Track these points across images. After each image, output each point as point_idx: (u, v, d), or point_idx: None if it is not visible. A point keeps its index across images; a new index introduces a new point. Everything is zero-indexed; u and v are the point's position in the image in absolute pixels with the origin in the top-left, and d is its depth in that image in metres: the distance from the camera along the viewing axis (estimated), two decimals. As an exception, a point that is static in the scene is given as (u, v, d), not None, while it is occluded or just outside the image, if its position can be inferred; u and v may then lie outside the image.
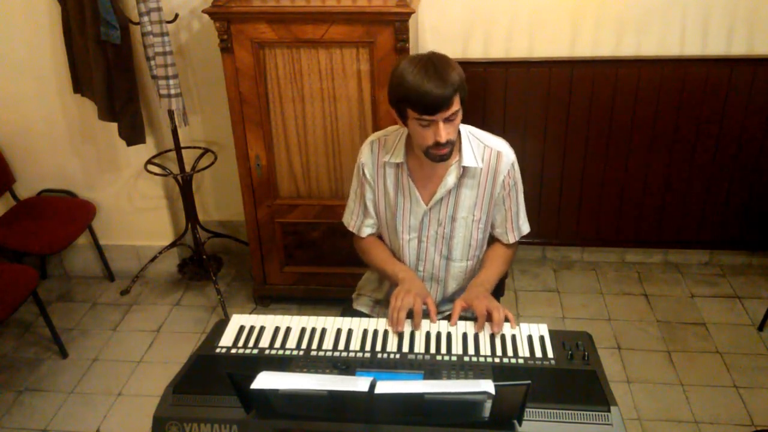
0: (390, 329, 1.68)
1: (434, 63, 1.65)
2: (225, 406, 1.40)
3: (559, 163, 3.11)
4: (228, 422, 1.38)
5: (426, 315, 1.74)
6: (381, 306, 2.07)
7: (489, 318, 1.68)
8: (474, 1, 2.85)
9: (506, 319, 1.68)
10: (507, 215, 1.93)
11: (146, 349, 2.93)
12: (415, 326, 1.68)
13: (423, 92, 1.61)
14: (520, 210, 1.95)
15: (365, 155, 1.92)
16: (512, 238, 1.95)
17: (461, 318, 1.73)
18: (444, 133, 1.67)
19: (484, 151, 1.85)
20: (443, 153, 1.73)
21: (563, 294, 3.17)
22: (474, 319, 1.71)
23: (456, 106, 1.66)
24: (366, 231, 2.00)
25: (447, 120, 1.67)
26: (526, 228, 1.98)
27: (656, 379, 2.65)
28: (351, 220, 2.02)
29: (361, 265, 2.11)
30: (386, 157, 1.87)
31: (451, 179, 1.83)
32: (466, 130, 1.86)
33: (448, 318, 1.92)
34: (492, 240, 2.00)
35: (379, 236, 2.03)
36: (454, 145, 1.75)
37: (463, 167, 1.82)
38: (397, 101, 1.70)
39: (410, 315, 1.71)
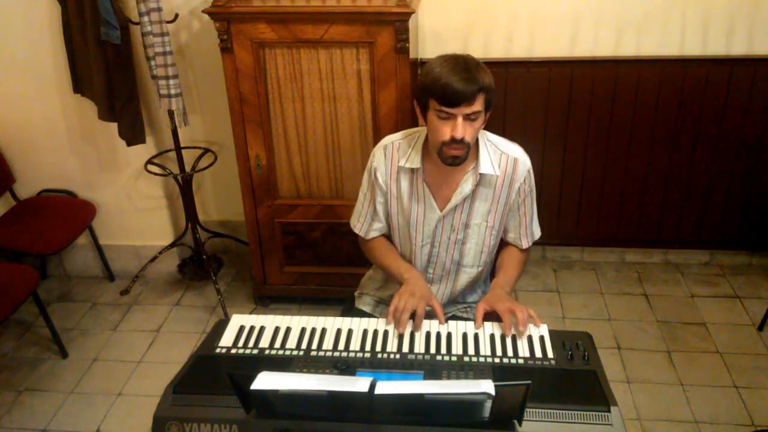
0: (389, 327, 1.68)
1: (465, 60, 1.67)
2: (225, 406, 1.40)
3: (559, 163, 3.11)
4: (228, 422, 1.38)
5: (433, 316, 1.73)
6: (384, 305, 2.06)
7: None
8: (474, 1, 2.85)
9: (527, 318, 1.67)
10: (521, 221, 1.91)
11: (146, 349, 2.93)
12: (415, 328, 1.67)
13: (446, 82, 1.62)
14: (534, 215, 1.93)
15: (378, 159, 1.89)
16: (525, 244, 1.94)
17: (464, 318, 1.72)
18: (461, 129, 1.65)
19: (501, 158, 1.83)
20: (457, 154, 1.70)
21: (563, 294, 3.17)
22: (487, 319, 1.70)
23: (478, 106, 1.65)
24: (373, 234, 1.98)
25: (467, 118, 1.66)
26: (538, 233, 1.96)
27: (656, 379, 2.65)
28: (358, 222, 1.99)
29: (361, 264, 2.11)
30: (401, 162, 1.85)
31: (467, 186, 1.81)
32: (484, 137, 1.84)
33: (451, 318, 1.92)
34: (503, 244, 1.99)
35: (386, 236, 2.02)
36: (469, 150, 1.72)
37: (480, 174, 1.80)
38: (422, 92, 1.70)
39: (412, 316, 1.70)
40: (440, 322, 1.70)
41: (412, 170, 1.85)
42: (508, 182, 1.84)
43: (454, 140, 1.67)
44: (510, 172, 1.84)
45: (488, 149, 1.82)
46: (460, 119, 1.65)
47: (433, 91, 1.65)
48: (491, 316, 1.72)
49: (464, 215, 1.86)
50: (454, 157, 1.71)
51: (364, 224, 1.98)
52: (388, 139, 1.90)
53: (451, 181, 1.83)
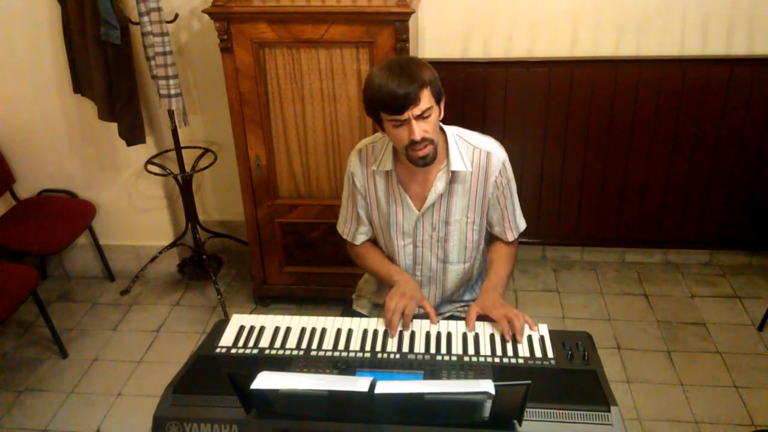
0: (389, 329, 1.68)
1: (399, 63, 1.66)
2: (225, 406, 1.40)
3: (559, 163, 3.11)
4: (228, 422, 1.38)
5: (425, 317, 1.73)
6: (380, 309, 2.06)
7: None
8: (474, 2, 2.85)
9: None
10: (504, 214, 1.91)
11: (146, 349, 2.93)
12: (404, 326, 1.68)
13: (387, 91, 1.62)
14: (516, 207, 1.93)
15: (354, 164, 1.90)
16: (511, 236, 1.94)
17: (462, 318, 1.72)
18: (418, 130, 1.65)
19: (473, 153, 1.82)
20: (422, 155, 1.70)
21: (563, 294, 3.17)
22: (481, 319, 1.70)
23: (426, 102, 1.65)
24: (360, 238, 1.99)
25: (420, 117, 1.65)
26: (522, 224, 1.96)
27: (656, 379, 2.65)
28: (345, 227, 2.00)
29: (360, 265, 2.11)
30: (374, 166, 1.85)
31: (440, 185, 1.81)
32: (453, 132, 1.83)
33: (450, 318, 1.92)
34: (492, 239, 1.99)
35: (374, 240, 2.02)
36: (435, 146, 1.72)
37: (452, 172, 1.80)
38: (369, 107, 1.70)
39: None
40: (432, 322, 1.70)
41: (387, 172, 1.85)
42: (483, 176, 1.84)
43: (414, 142, 1.67)
44: (484, 166, 1.83)
45: (458, 145, 1.82)
46: (413, 121, 1.65)
47: (378, 103, 1.65)
48: (485, 318, 1.72)
49: (443, 213, 1.86)
50: (422, 157, 1.71)
51: (350, 229, 1.99)
52: (362, 143, 1.91)
53: (425, 180, 1.83)
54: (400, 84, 1.61)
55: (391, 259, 1.96)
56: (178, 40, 2.99)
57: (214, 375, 1.53)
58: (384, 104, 1.64)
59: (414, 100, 1.62)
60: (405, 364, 1.55)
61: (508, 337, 1.63)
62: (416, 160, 1.72)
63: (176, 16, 2.81)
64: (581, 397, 1.41)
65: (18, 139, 3.14)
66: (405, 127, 1.66)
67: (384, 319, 1.70)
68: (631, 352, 2.79)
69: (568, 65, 2.91)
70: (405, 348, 1.62)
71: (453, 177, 1.81)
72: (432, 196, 1.82)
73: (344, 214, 2.00)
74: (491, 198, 1.87)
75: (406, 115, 1.63)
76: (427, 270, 1.94)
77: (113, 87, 2.81)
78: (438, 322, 1.71)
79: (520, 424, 1.31)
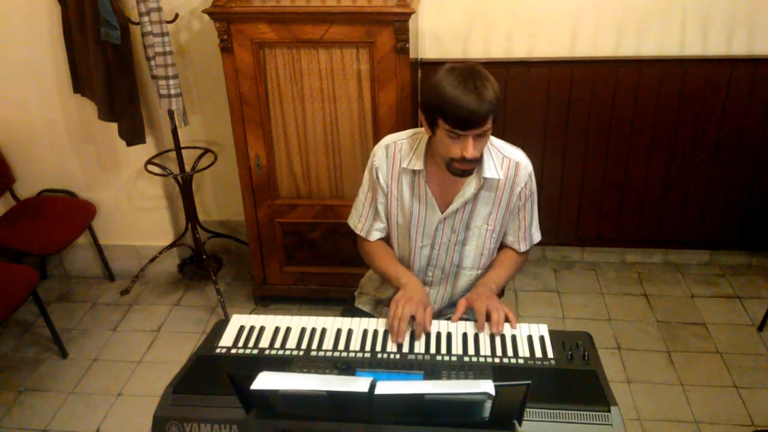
0: (390, 334, 1.67)
1: (474, 77, 1.61)
2: (225, 406, 1.40)
3: (559, 163, 3.11)
4: (228, 422, 1.38)
5: (433, 318, 1.72)
6: (383, 306, 2.06)
7: (489, 318, 1.68)
8: (474, 1, 2.85)
9: (506, 319, 1.68)
10: (521, 225, 1.90)
11: (146, 349, 2.94)
12: (416, 336, 1.65)
13: (459, 106, 1.58)
14: (534, 220, 1.92)
15: (380, 159, 1.87)
16: (523, 247, 1.93)
17: (462, 319, 1.72)
18: (472, 149, 1.64)
19: (503, 162, 1.82)
20: (466, 169, 1.70)
21: (563, 294, 3.17)
22: (474, 319, 1.70)
23: (488, 125, 1.63)
24: (375, 235, 1.96)
25: (477, 137, 1.64)
26: (537, 237, 1.95)
27: (656, 379, 2.65)
28: (359, 222, 1.97)
29: (361, 264, 2.10)
30: (404, 163, 1.84)
31: (469, 190, 1.81)
32: (488, 141, 1.81)
33: (450, 318, 1.92)
34: (501, 246, 1.97)
35: (385, 238, 2.00)
36: (478, 163, 1.73)
37: (484, 178, 1.79)
38: (431, 109, 1.66)
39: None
40: (425, 329, 1.67)
41: (414, 171, 1.84)
42: (510, 186, 1.84)
43: (464, 158, 1.66)
44: (512, 176, 1.83)
45: (491, 153, 1.81)
46: (471, 139, 1.63)
47: (443, 112, 1.61)
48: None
49: (465, 217, 1.86)
50: (464, 171, 1.71)
51: (365, 224, 1.96)
52: (389, 139, 1.89)
53: (454, 184, 1.82)
54: (471, 102, 1.57)
55: (405, 258, 1.95)
56: (178, 40, 2.99)
57: (214, 375, 1.53)
58: (449, 115, 1.61)
59: (480, 122, 1.61)
60: (405, 365, 1.55)
61: (479, 329, 1.64)
62: (456, 172, 1.71)
63: (176, 16, 2.81)
64: (581, 397, 1.42)
65: (18, 139, 3.14)
66: (460, 141, 1.64)
67: (388, 325, 1.67)
68: (631, 352, 2.79)
69: (568, 65, 2.91)
70: (405, 348, 1.62)
71: (483, 184, 1.81)
72: (459, 201, 1.82)
73: (360, 208, 1.97)
74: (512, 208, 1.87)
75: (468, 133, 1.62)
76: (439, 272, 1.94)
77: (113, 87, 2.81)
78: (437, 322, 1.70)
79: (520, 424, 1.31)
